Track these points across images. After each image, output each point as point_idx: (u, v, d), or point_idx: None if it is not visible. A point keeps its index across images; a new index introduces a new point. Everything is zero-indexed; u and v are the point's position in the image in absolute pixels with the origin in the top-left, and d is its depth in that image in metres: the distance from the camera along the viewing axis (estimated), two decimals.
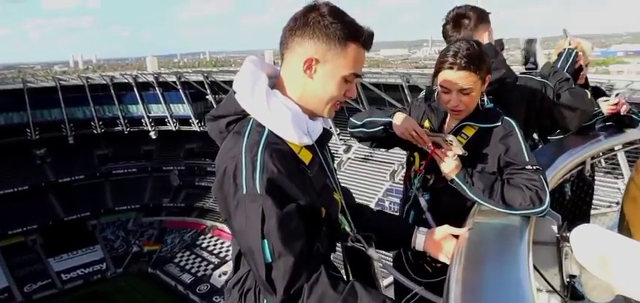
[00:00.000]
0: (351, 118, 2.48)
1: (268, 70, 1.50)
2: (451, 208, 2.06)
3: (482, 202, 1.88)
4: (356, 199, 1.89)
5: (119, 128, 44.38)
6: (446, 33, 2.59)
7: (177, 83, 41.28)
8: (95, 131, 43.83)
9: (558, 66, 2.99)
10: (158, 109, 43.97)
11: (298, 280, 1.30)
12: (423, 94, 2.49)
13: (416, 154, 2.26)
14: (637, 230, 1.97)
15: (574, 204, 3.03)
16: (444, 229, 1.74)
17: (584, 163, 2.90)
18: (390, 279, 2.98)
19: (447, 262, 1.62)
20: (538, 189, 1.80)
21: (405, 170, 2.48)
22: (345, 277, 1.59)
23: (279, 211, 1.29)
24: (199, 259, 36.80)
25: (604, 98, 3.14)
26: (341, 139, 36.58)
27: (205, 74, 39.97)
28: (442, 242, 1.72)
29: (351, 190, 1.91)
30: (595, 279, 1.73)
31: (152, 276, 36.06)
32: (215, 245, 38.08)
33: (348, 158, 36.31)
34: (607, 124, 3.21)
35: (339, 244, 1.68)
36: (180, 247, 38.97)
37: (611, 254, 1.64)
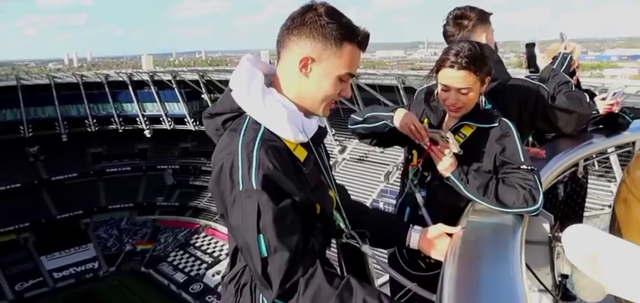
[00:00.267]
0: (352, 115, 2.51)
1: (264, 68, 1.52)
2: (446, 205, 2.10)
3: (476, 199, 1.91)
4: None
5: (113, 126, 44.16)
6: (446, 32, 2.61)
7: (173, 82, 41.15)
8: (89, 129, 43.61)
9: (553, 69, 3.01)
10: (153, 108, 43.78)
11: (294, 274, 1.32)
12: (422, 88, 2.53)
13: (414, 151, 2.29)
14: (628, 231, 1.99)
15: (567, 205, 3.06)
16: (438, 228, 1.77)
17: (577, 164, 2.93)
18: (385, 278, 3.00)
19: (441, 260, 1.64)
20: (532, 188, 1.83)
21: (400, 170, 2.50)
22: (339, 273, 1.60)
23: (274, 207, 1.31)
24: (193, 259, 36.69)
25: (601, 96, 3.16)
26: (336, 140, 36.61)
27: (201, 73, 39.86)
28: (436, 241, 1.75)
29: None
30: (586, 278, 1.76)
31: (145, 275, 35.93)
32: (209, 244, 37.98)
33: (343, 159, 36.34)
34: (599, 127, 3.24)
35: (334, 241, 1.70)
36: (174, 247, 38.84)
37: (602, 254, 1.67)
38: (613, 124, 3.16)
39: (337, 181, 1.74)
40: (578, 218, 3.24)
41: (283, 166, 1.35)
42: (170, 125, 43.88)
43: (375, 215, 1.90)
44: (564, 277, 1.95)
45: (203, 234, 39.41)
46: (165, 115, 43.55)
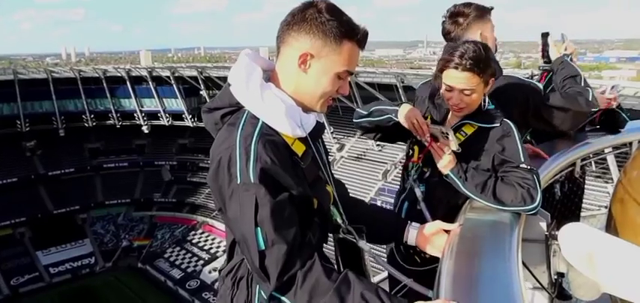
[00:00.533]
0: (357, 109, 2.52)
1: (263, 63, 1.53)
2: (445, 202, 2.12)
3: (474, 197, 1.93)
4: None
5: (111, 122, 44.12)
6: (444, 30, 2.61)
7: (171, 78, 41.11)
8: (86, 124, 43.56)
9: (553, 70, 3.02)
10: (151, 104, 43.77)
11: (292, 267, 1.33)
12: (423, 84, 2.53)
13: (415, 147, 2.31)
14: (624, 230, 2.01)
15: (563, 204, 3.07)
16: (436, 225, 1.78)
17: (574, 164, 2.94)
18: (383, 275, 3.00)
19: (439, 257, 1.65)
20: (530, 187, 1.84)
21: (399, 168, 2.51)
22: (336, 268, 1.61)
23: (272, 200, 1.31)
24: (190, 255, 36.69)
25: (600, 90, 3.16)
26: (335, 138, 36.66)
27: (199, 69, 39.86)
28: (434, 237, 1.76)
29: None
30: (582, 277, 1.77)
31: (142, 271, 35.92)
32: (206, 241, 37.99)
33: (342, 157, 36.39)
34: (597, 126, 3.25)
35: (331, 237, 1.71)
36: (171, 243, 38.84)
37: (598, 252, 1.68)
38: (610, 120, 3.17)
39: (335, 177, 1.75)
40: (575, 218, 3.25)
41: (281, 160, 1.36)
42: (168, 121, 43.87)
43: (372, 211, 1.91)
44: (560, 275, 1.97)
45: (200, 230, 39.40)
46: (164, 111, 43.53)
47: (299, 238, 1.36)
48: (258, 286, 1.54)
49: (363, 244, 1.64)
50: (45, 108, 42.30)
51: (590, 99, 2.66)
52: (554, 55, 2.98)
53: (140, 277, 35.00)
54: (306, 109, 1.50)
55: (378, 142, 34.17)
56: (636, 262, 1.62)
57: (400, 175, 2.55)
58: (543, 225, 1.92)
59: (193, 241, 38.43)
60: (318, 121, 1.54)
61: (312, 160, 1.51)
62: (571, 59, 3.06)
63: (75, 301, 30.99)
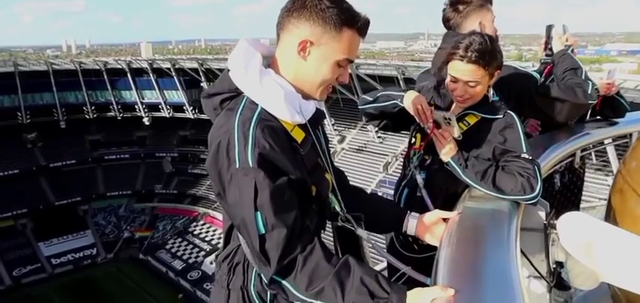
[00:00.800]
0: (362, 96, 2.53)
1: (264, 50, 1.52)
2: (444, 189, 2.13)
3: (474, 184, 1.94)
4: None
5: (112, 114, 44.09)
6: (444, 16, 2.62)
7: (172, 70, 41.04)
8: (87, 116, 43.52)
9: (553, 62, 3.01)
10: (152, 96, 43.70)
11: (292, 251, 1.33)
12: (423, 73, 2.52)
13: (418, 134, 2.32)
14: (623, 221, 2.01)
15: (563, 195, 3.07)
16: (435, 214, 1.78)
17: (574, 155, 2.94)
18: (382, 265, 3.02)
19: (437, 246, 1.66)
20: (530, 176, 1.85)
21: (400, 160, 2.52)
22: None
23: (271, 184, 1.31)
24: (191, 246, 36.82)
25: (599, 75, 3.16)
26: (336, 130, 36.62)
27: (200, 61, 39.77)
28: (433, 226, 1.76)
29: None
30: (580, 265, 1.77)
31: (143, 262, 36.06)
32: (207, 232, 38.08)
33: (342, 148, 36.37)
34: (597, 117, 3.25)
35: (329, 225, 1.71)
36: (172, 234, 38.95)
37: (596, 241, 1.68)
38: (610, 107, 3.17)
39: (335, 166, 1.75)
40: (575, 209, 3.25)
41: (279, 145, 1.36)
42: (169, 113, 43.85)
43: (372, 200, 1.91)
44: (559, 264, 1.97)
45: (201, 222, 39.50)
46: (164, 102, 43.50)
47: (299, 222, 1.36)
48: (254, 271, 1.56)
49: (361, 232, 1.65)
50: (46, 100, 42.26)
51: (588, 91, 2.65)
52: (557, 47, 2.98)
53: (141, 268, 35.15)
54: (306, 96, 1.49)
55: (379, 135, 34.36)
56: (635, 251, 1.62)
57: (400, 167, 2.56)
58: (542, 214, 1.93)
59: (195, 233, 38.54)
60: (317, 108, 1.54)
61: (312, 147, 1.51)
62: (572, 51, 3.06)
63: (77, 292, 31.11)
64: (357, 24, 1.43)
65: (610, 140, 3.47)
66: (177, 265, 34.69)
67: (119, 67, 42.70)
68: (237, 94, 1.46)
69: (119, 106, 44.03)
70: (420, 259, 1.97)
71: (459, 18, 2.54)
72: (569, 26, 3.18)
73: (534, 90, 2.59)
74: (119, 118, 44.24)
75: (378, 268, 3.29)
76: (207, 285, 30.72)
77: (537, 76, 2.68)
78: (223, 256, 1.64)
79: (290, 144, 1.42)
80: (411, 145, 2.39)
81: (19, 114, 40.86)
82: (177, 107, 43.39)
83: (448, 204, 1.94)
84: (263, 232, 1.33)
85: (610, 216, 2.15)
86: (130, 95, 43.92)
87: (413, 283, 1.37)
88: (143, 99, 43.88)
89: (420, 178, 2.21)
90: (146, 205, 42.46)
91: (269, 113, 1.41)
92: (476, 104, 2.14)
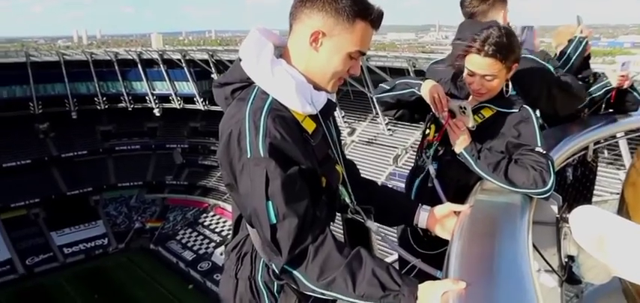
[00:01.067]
0: (380, 84, 2.51)
1: (276, 40, 1.51)
2: (455, 181, 2.12)
3: (486, 176, 1.92)
4: None
5: (123, 104, 44.29)
6: (465, 2, 2.57)
7: (182, 61, 41.10)
8: (98, 107, 43.75)
9: (567, 52, 2.99)
10: (162, 87, 43.80)
11: (303, 241, 1.33)
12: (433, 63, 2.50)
13: (432, 125, 2.31)
14: (636, 215, 1.99)
15: (575, 188, 3.05)
16: (447, 207, 1.77)
17: (586, 148, 2.92)
18: (392, 257, 3.02)
19: (448, 239, 1.65)
20: (543, 170, 1.83)
21: (411, 153, 2.52)
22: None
23: (282, 173, 1.31)
24: (201, 237, 37.06)
25: (612, 68, 3.13)
26: (346, 122, 36.56)
27: (210, 53, 39.76)
28: (444, 219, 1.75)
29: None
30: (592, 259, 1.76)
31: (154, 252, 36.39)
32: (217, 224, 38.30)
33: (353, 141, 36.32)
34: (610, 110, 3.22)
35: (339, 217, 1.71)
36: (183, 225, 39.23)
37: (609, 235, 1.67)
38: (623, 101, 3.15)
39: (347, 158, 1.75)
40: (587, 202, 3.24)
41: (290, 135, 1.36)
42: (179, 104, 43.98)
43: (383, 193, 1.90)
44: (570, 258, 1.96)
45: (211, 213, 39.72)
46: (175, 94, 43.61)
47: (311, 212, 1.36)
48: (261, 262, 1.56)
49: (370, 224, 1.64)
50: (57, 90, 42.52)
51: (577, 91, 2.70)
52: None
53: (152, 258, 35.47)
54: (318, 88, 1.49)
55: (389, 127, 34.17)
56: None
57: (410, 160, 2.56)
58: (554, 208, 1.92)
59: (205, 224, 38.79)
60: (329, 99, 1.52)
61: (322, 138, 1.51)
62: (587, 43, 3.04)
63: (88, 281, 31.47)
64: (370, 16, 1.42)
65: (622, 134, 3.43)
66: (188, 255, 34.95)
67: (130, 57, 42.84)
68: (248, 83, 1.46)
69: (130, 97, 44.21)
70: (431, 254, 1.97)
71: (486, 5, 2.51)
72: (583, 18, 3.15)
73: (555, 83, 2.57)
74: (130, 108, 44.44)
75: (388, 260, 3.30)
76: (217, 276, 30.88)
77: (552, 68, 2.66)
78: (232, 246, 1.65)
79: (301, 134, 1.42)
80: (424, 136, 2.39)
81: (31, 104, 41.19)
82: (188, 98, 43.49)
83: (459, 196, 1.93)
84: (274, 221, 1.32)
85: (623, 210, 2.13)
86: (141, 86, 44.08)
87: (424, 277, 1.37)
88: (154, 90, 44.01)
89: (432, 169, 2.21)
90: (157, 196, 42.76)
91: (280, 103, 1.41)
92: (493, 97, 2.13)
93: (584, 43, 3.02)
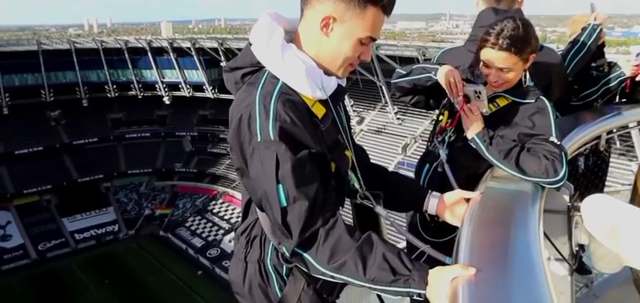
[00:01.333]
0: (397, 69, 2.50)
1: (286, 25, 1.50)
2: (466, 168, 2.11)
3: (497, 162, 1.91)
4: None
5: (133, 92, 44.60)
6: None
7: (192, 49, 41.17)
8: (109, 95, 44.10)
9: (581, 40, 2.95)
10: (172, 75, 43.97)
11: (314, 224, 1.33)
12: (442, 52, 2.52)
13: (446, 112, 2.31)
14: None
15: (587, 178, 3.02)
16: (457, 194, 1.76)
17: (598, 137, 2.89)
18: (401, 244, 3.02)
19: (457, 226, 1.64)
20: (555, 160, 1.81)
21: (420, 142, 2.52)
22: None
23: (293, 157, 1.31)
24: (210, 224, 37.34)
25: (627, 58, 3.09)
26: (355, 111, 36.50)
27: (220, 41, 39.78)
28: (454, 206, 1.74)
29: None
30: (604, 249, 1.75)
31: (163, 239, 36.74)
32: (226, 211, 38.53)
33: (361, 130, 36.26)
34: (623, 100, 3.18)
35: (348, 202, 1.71)
36: (192, 212, 39.54)
37: (622, 224, 1.65)
38: (637, 91, 3.11)
39: (357, 143, 1.74)
40: (598, 192, 3.20)
41: (300, 119, 1.35)
42: (189, 92, 44.15)
43: (393, 179, 1.89)
44: (581, 247, 1.95)
45: (220, 200, 39.97)
46: (184, 82, 43.76)
47: (321, 195, 1.35)
48: (270, 245, 1.57)
49: (379, 209, 1.63)
50: (68, 78, 42.83)
51: None
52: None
53: (162, 244, 35.82)
54: (328, 73, 1.48)
55: (398, 116, 34.07)
56: None
57: (419, 150, 2.56)
58: (566, 197, 1.90)
59: (214, 211, 39.06)
60: (339, 84, 1.52)
61: (332, 124, 1.50)
62: (601, 30, 3.00)
63: (99, 267, 31.86)
64: (382, 2, 1.40)
65: (635, 124, 3.39)
66: (197, 242, 35.25)
67: (140, 46, 42.99)
68: (258, 68, 1.46)
69: (140, 85, 44.47)
70: (438, 242, 1.96)
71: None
72: (597, 6, 3.10)
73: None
74: (140, 96, 44.71)
75: (399, 246, 3.31)
76: (226, 262, 31.13)
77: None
78: (241, 229, 1.66)
79: (310, 119, 1.41)
80: (438, 122, 2.37)
81: (43, 92, 41.59)
82: (197, 87, 43.65)
83: (469, 184, 1.91)
84: (285, 204, 1.33)
85: (635, 200, 2.12)
86: (151, 74, 44.26)
87: (433, 263, 1.36)
88: (163, 78, 44.18)
89: (443, 154, 2.20)
90: (166, 183, 43.10)
91: (290, 88, 1.40)
92: (510, 88, 2.12)
93: (598, 31, 2.97)
